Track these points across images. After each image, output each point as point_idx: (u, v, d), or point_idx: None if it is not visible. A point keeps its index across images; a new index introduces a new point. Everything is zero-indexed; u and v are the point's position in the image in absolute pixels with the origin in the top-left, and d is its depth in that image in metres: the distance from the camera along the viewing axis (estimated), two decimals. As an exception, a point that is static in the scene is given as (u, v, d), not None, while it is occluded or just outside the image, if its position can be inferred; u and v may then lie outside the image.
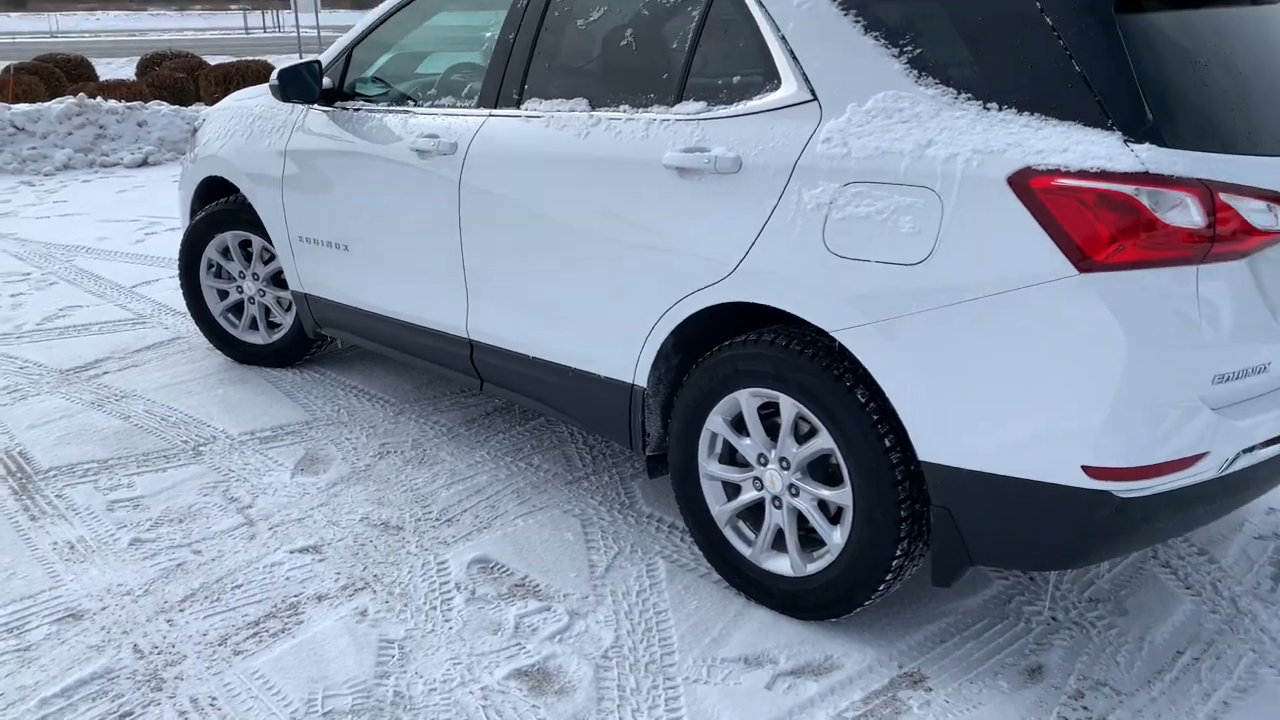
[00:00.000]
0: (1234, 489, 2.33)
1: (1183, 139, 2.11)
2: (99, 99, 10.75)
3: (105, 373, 4.51)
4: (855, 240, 2.37)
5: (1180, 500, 2.23)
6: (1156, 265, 2.09)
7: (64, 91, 12.41)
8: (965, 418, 2.28)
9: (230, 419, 4.01)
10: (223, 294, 4.56)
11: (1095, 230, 2.08)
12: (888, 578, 2.51)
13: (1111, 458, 2.14)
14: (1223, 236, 2.10)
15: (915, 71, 2.37)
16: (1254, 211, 2.14)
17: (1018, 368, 2.19)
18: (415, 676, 2.52)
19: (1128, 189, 2.06)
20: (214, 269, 4.53)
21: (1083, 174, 2.09)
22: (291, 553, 3.05)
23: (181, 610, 2.78)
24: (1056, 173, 2.11)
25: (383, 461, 3.65)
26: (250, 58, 16.50)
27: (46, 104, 10.47)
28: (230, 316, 4.59)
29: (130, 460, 3.66)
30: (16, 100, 11.72)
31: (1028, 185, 2.13)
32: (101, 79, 14.85)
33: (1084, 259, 2.09)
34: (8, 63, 14.33)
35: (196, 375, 4.47)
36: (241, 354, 4.58)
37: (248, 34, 40.36)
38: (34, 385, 4.36)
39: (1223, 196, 2.09)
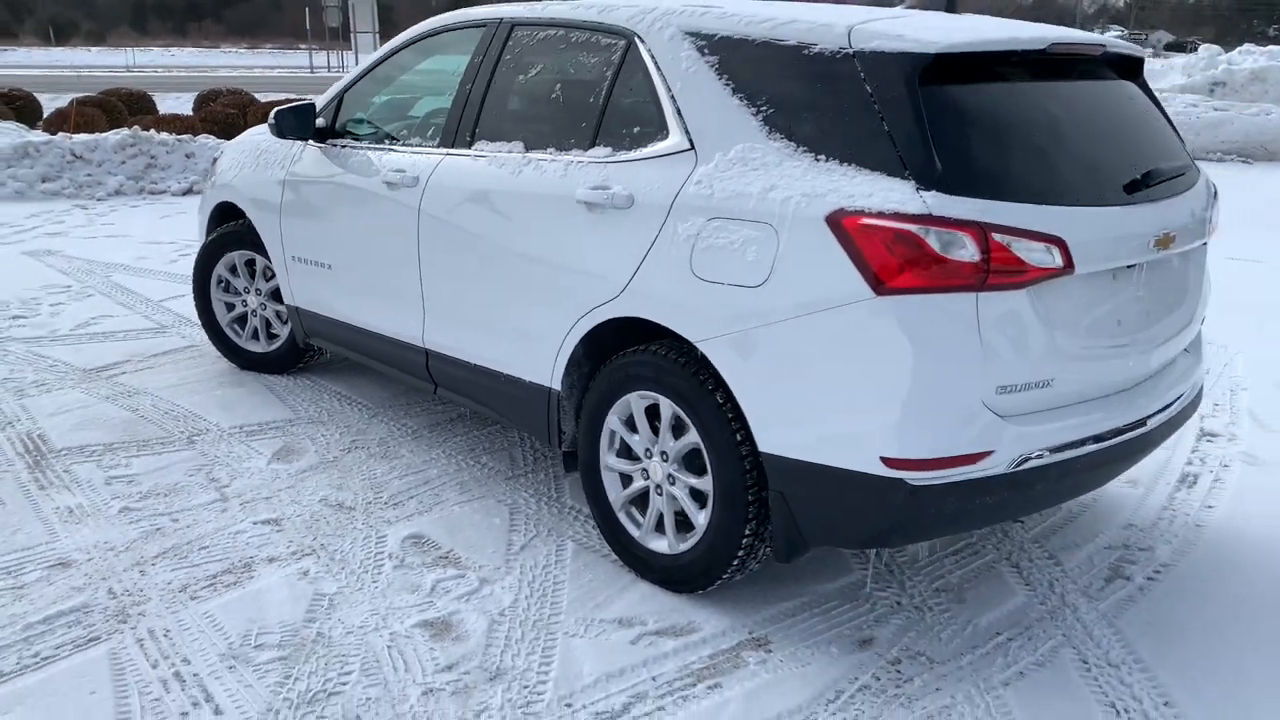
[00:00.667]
0: (1026, 487, 2.73)
1: (967, 188, 2.55)
2: (152, 131, 11.51)
3: (123, 373, 5.07)
4: (713, 266, 2.82)
5: (969, 491, 2.64)
6: (940, 291, 2.52)
7: (124, 123, 13.21)
8: (793, 415, 2.72)
9: (224, 415, 4.53)
10: (230, 306, 5.12)
11: (889, 261, 2.52)
12: (740, 554, 2.93)
13: (904, 450, 2.57)
14: (998, 270, 2.53)
15: (768, 127, 2.83)
16: (1032, 250, 2.57)
17: (832, 373, 2.63)
18: (337, 622, 2.98)
19: (915, 228, 2.51)
20: (223, 284, 5.09)
21: (881, 214, 2.54)
22: (254, 524, 3.54)
23: (153, 564, 3.28)
24: (862, 213, 2.56)
25: (349, 455, 4.14)
26: (305, 96, 17.33)
27: (104, 134, 11.25)
28: (235, 327, 5.14)
29: (131, 445, 4.19)
30: (78, 130, 12.57)
31: (840, 223, 2.58)
32: (162, 113, 15.72)
33: (880, 284, 2.53)
34: (74, 95, 15.27)
35: (202, 378, 5.02)
36: (244, 361, 5.12)
37: (312, 73, 41.74)
38: (59, 381, 4.93)
39: (996, 237, 2.52)
